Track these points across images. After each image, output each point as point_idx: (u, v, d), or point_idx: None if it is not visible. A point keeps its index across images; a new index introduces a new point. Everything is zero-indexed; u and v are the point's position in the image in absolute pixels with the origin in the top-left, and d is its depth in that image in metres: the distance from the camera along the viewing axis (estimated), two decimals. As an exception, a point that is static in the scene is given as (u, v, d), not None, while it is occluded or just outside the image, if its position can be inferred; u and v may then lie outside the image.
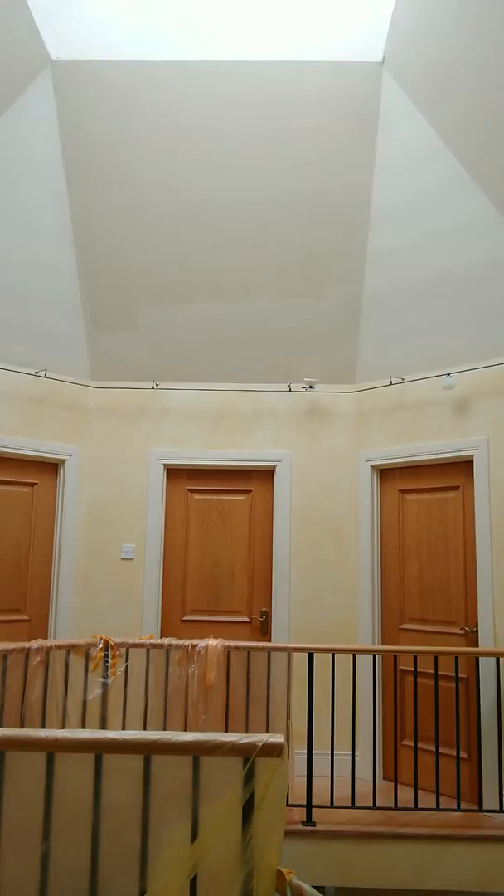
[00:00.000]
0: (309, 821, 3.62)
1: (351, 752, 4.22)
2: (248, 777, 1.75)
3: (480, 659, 3.96)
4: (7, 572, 4.58)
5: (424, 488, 4.57)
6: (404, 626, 4.55)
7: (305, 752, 3.75)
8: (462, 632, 4.27)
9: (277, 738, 1.77)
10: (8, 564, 4.59)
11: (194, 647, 3.89)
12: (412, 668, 4.32)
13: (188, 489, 4.96)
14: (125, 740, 1.77)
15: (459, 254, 4.17)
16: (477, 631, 4.16)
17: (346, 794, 3.83)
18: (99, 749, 1.78)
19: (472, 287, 4.20)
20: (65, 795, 1.79)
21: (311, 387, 4.87)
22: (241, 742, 1.76)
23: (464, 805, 3.98)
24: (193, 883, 1.73)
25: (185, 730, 3.79)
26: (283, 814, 1.78)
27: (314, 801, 3.74)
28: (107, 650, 3.88)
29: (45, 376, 4.75)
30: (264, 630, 4.76)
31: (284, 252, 4.52)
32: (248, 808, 1.74)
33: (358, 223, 4.40)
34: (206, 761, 1.78)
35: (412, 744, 4.33)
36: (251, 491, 4.94)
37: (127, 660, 3.92)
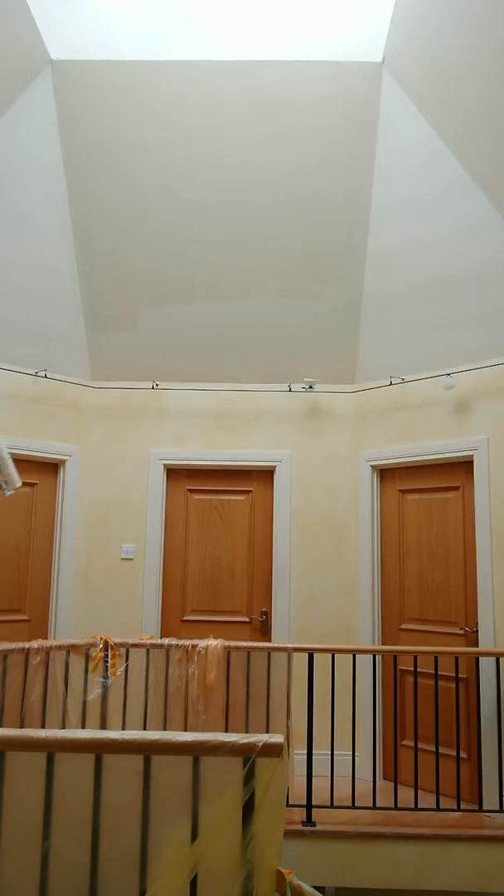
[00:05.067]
0: (309, 821, 3.62)
1: (351, 752, 4.22)
2: (248, 777, 1.75)
3: (480, 659, 3.96)
4: (7, 572, 4.58)
5: (424, 488, 4.57)
6: (404, 626, 4.55)
7: (305, 752, 3.75)
8: (462, 632, 4.27)
9: (277, 739, 1.77)
10: (8, 564, 4.59)
11: (194, 647, 3.89)
12: (412, 668, 4.32)
13: (188, 489, 4.96)
14: (125, 740, 1.77)
15: (459, 254, 4.17)
16: (477, 631, 4.16)
17: (346, 794, 3.83)
18: (99, 749, 1.78)
19: (472, 287, 4.20)
20: (65, 795, 1.79)
21: (310, 387, 4.87)
22: (241, 742, 1.76)
23: (464, 805, 3.98)
24: (193, 883, 1.73)
25: (185, 730, 3.79)
26: (283, 814, 1.78)
27: (314, 801, 3.74)
28: (107, 650, 3.88)
29: (45, 376, 4.75)
30: (264, 630, 4.76)
31: (284, 252, 4.52)
32: (248, 808, 1.74)
33: (358, 223, 4.40)
34: (206, 761, 1.78)
35: (412, 744, 4.33)
36: (251, 491, 4.94)
37: (127, 660, 3.92)
